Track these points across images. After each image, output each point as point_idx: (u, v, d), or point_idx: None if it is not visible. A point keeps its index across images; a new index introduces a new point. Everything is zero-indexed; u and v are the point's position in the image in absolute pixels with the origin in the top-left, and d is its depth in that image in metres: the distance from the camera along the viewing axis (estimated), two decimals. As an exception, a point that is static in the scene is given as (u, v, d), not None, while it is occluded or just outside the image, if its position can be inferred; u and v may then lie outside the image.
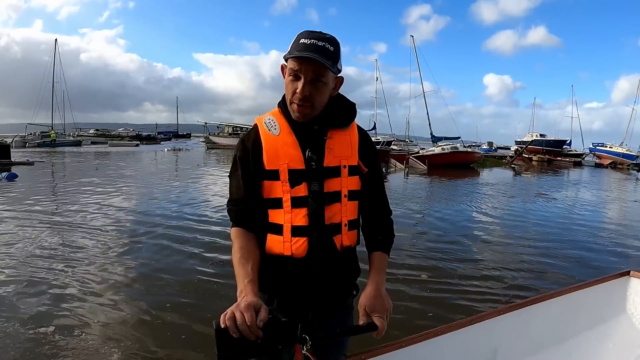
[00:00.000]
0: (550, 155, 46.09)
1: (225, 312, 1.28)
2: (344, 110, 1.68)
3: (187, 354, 4.04)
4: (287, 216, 1.59)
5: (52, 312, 4.72)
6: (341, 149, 1.63)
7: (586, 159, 48.89)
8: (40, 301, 5.00)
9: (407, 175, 25.32)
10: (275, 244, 1.62)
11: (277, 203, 1.60)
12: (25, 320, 4.50)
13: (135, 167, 24.65)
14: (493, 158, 43.04)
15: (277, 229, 1.61)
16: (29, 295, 5.16)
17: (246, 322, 1.25)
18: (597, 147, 49.73)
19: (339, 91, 1.69)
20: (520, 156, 43.39)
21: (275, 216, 1.61)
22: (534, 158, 44.43)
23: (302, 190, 1.58)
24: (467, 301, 5.42)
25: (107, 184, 15.67)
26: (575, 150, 53.20)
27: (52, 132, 54.57)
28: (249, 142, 1.65)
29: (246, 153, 1.64)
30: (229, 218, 1.69)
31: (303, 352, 1.37)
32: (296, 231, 1.59)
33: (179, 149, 47.94)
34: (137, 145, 56.64)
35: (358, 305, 1.55)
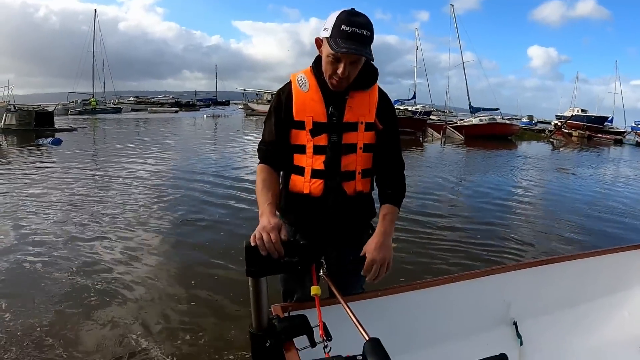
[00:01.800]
0: (590, 132, 44.92)
1: (254, 233, 1.49)
2: (367, 74, 1.88)
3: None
4: (308, 160, 1.89)
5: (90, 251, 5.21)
6: (360, 108, 1.87)
7: (627, 137, 47.47)
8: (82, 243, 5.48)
9: (444, 145, 25.30)
10: (298, 183, 1.93)
11: (302, 149, 1.90)
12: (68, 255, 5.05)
13: (175, 133, 25.11)
14: (532, 132, 42.11)
15: (300, 171, 1.91)
16: (74, 238, 5.64)
17: (271, 240, 1.46)
18: (639, 126, 48.26)
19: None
20: (559, 131, 42.45)
21: (299, 160, 1.91)
22: (574, 134, 43.32)
23: (322, 140, 1.87)
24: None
25: (148, 148, 16.08)
26: (617, 128, 51.67)
27: (93, 99, 55.32)
28: (283, 95, 1.92)
29: (280, 104, 1.92)
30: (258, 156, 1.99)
31: (319, 274, 1.61)
32: (315, 174, 1.89)
33: (218, 116, 48.60)
34: (176, 112, 56.95)
35: (364, 248, 1.80)
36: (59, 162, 12.00)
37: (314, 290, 1.55)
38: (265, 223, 1.54)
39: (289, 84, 1.94)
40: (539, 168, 16.31)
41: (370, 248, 1.77)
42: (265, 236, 1.47)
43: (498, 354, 1.42)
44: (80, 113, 45.84)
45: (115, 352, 3.18)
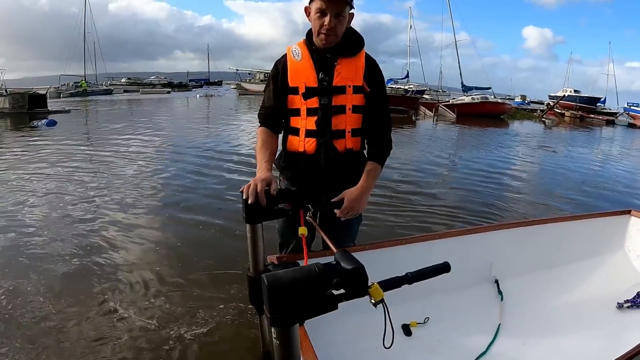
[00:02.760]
0: (582, 112, 44.92)
1: (248, 184, 1.71)
2: (354, 42, 2.11)
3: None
4: (302, 122, 2.12)
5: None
6: (348, 73, 2.07)
7: (619, 118, 47.47)
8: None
9: (436, 123, 25.50)
10: (294, 142, 2.17)
11: (297, 112, 2.13)
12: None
13: (167, 113, 25.08)
14: (524, 111, 42.17)
15: (296, 132, 2.15)
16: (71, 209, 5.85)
17: (256, 189, 1.68)
18: (632, 107, 48.27)
19: (351, 25, 2.14)
20: (551, 110, 42.48)
21: (295, 121, 2.15)
22: (567, 114, 43.34)
23: (314, 102, 2.08)
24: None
25: (140, 127, 16.12)
26: (609, 109, 51.72)
27: (83, 82, 54.95)
28: (279, 65, 2.16)
29: (277, 73, 2.16)
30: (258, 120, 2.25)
31: (306, 218, 1.80)
32: (309, 133, 2.11)
33: (211, 95, 48.38)
34: (168, 92, 56.64)
35: (342, 192, 2.04)
36: (54, 142, 12.04)
37: (301, 230, 1.71)
38: (258, 176, 1.81)
39: (284, 55, 2.18)
40: (527, 145, 16.45)
41: (349, 196, 2.01)
42: (252, 186, 1.69)
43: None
44: (72, 95, 45.27)
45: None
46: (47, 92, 34.42)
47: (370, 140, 2.19)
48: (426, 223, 5.60)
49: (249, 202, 1.66)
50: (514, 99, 55.29)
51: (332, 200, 2.02)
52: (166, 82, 73.87)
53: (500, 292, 2.72)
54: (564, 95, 49.69)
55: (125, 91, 57.86)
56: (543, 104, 54.85)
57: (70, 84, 54.40)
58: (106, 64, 72.73)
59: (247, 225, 1.70)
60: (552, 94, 58.32)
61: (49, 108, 23.71)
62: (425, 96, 41.59)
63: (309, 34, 2.12)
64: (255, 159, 2.11)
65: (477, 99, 33.64)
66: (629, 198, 8.16)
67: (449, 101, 35.33)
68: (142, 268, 4.09)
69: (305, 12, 2.08)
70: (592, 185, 9.14)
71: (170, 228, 5.21)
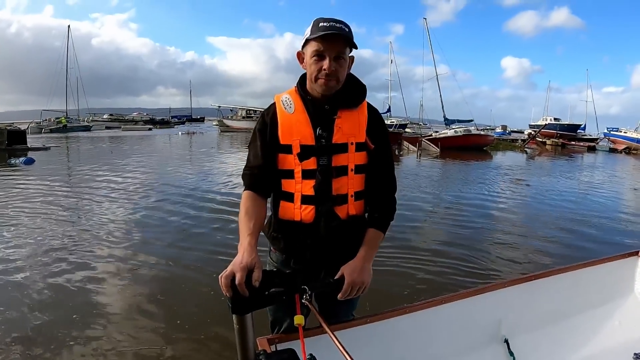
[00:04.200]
0: (564, 140, 45.61)
1: (225, 270, 1.44)
2: (355, 91, 1.83)
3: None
4: (297, 186, 1.79)
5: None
6: (349, 128, 1.79)
7: (600, 143, 48.24)
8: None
9: (420, 158, 25.34)
10: (287, 210, 1.83)
11: (290, 174, 1.79)
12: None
13: (149, 152, 24.78)
14: (506, 142, 42.66)
15: (289, 197, 1.81)
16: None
17: (236, 281, 1.40)
18: (612, 132, 49.11)
19: (352, 72, 1.87)
20: (533, 140, 43.03)
21: (288, 185, 1.81)
22: (548, 142, 43.97)
23: (311, 163, 1.77)
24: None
25: (120, 168, 15.87)
26: (590, 135, 52.58)
27: (63, 118, 54.94)
28: (268, 117, 1.83)
29: (264, 127, 1.82)
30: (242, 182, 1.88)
31: (302, 301, 1.51)
32: (305, 199, 1.79)
33: (193, 133, 48.24)
34: (150, 129, 57.09)
35: (340, 268, 1.72)
36: (31, 181, 12.05)
37: (297, 320, 1.47)
38: (238, 260, 1.47)
39: (273, 105, 1.85)
40: (512, 178, 16.34)
41: (348, 271, 1.69)
42: (228, 273, 1.42)
43: None
44: (51, 131, 45.52)
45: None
46: (28, 127, 34.37)
47: (373, 203, 1.89)
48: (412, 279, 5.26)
49: (228, 296, 1.40)
50: (494, 129, 55.95)
51: (332, 280, 1.71)
52: (148, 118, 74.49)
53: (511, 353, 2.53)
54: (545, 124, 50.49)
55: (107, 127, 58.32)
56: (523, 132, 55.71)
57: (52, 120, 54.64)
58: (89, 99, 72.98)
59: (234, 316, 1.41)
60: (533, 123, 59.47)
61: (29, 145, 23.69)
62: (407, 129, 41.82)
63: (302, 81, 1.83)
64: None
65: (460, 132, 34.11)
66: (616, 234, 8.11)
67: (431, 134, 35.78)
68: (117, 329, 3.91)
69: (298, 58, 1.81)
70: (580, 221, 9.03)
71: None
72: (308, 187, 1.78)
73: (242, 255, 1.50)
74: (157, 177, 13.44)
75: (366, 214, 1.91)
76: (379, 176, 1.86)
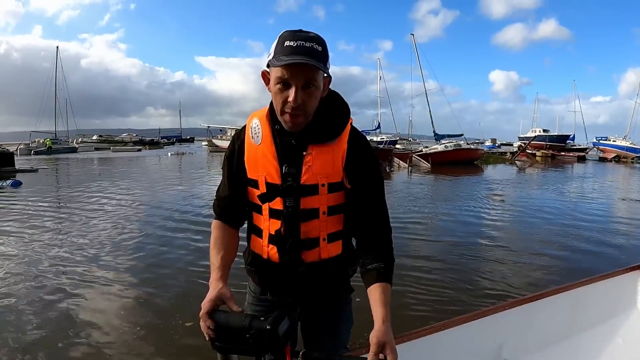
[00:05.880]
0: (553, 151, 45.95)
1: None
2: (332, 121, 1.54)
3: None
4: (265, 223, 1.60)
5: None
6: (321, 166, 1.51)
7: (590, 153, 48.64)
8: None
9: (411, 174, 25.32)
10: (257, 245, 1.66)
11: (258, 209, 1.61)
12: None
13: (138, 174, 24.59)
14: (495, 155, 42.86)
15: (259, 232, 1.64)
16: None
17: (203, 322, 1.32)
18: (601, 141, 49.58)
19: (338, 92, 1.61)
20: (523, 152, 43.27)
21: (257, 220, 1.63)
22: (538, 154, 44.28)
23: (277, 204, 1.55)
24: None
25: (109, 190, 15.90)
26: (579, 145, 53.05)
27: (47, 139, 54.37)
28: (237, 144, 1.62)
29: (232, 155, 1.63)
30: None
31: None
32: (272, 239, 1.59)
33: (183, 153, 48.06)
34: (139, 150, 57.00)
35: (369, 338, 1.37)
36: (18, 204, 12.09)
37: None
38: (206, 297, 1.39)
39: (244, 130, 1.62)
40: (504, 192, 16.29)
41: (381, 340, 1.35)
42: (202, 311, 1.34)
43: None
44: (36, 153, 45.24)
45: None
46: (17, 149, 34.10)
47: (370, 252, 1.56)
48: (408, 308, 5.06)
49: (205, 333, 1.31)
50: (484, 143, 56.37)
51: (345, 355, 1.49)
52: (137, 139, 74.24)
53: None
54: (534, 136, 50.83)
55: (96, 149, 57.79)
56: (512, 145, 56.03)
57: (41, 141, 54.04)
58: (79, 120, 73.19)
59: (218, 355, 1.32)
60: (522, 135, 59.85)
61: (17, 167, 23.63)
62: (397, 146, 41.95)
63: (272, 107, 1.53)
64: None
65: (450, 146, 34.37)
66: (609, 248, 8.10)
67: (422, 150, 35.91)
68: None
69: (263, 78, 1.49)
70: (578, 236, 9.02)
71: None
72: (275, 226, 1.57)
73: (209, 292, 1.42)
74: (148, 199, 13.53)
75: (360, 261, 1.59)
76: (369, 219, 1.57)
